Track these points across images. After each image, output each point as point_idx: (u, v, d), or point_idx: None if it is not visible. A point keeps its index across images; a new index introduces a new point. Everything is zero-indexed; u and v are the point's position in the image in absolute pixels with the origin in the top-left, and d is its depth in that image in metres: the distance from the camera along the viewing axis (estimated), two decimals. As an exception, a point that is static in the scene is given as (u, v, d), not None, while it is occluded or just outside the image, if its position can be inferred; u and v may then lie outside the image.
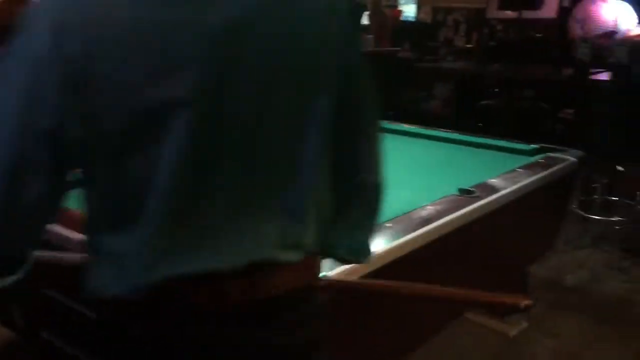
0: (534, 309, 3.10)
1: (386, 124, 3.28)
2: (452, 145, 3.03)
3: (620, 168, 3.98)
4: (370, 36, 7.05)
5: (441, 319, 2.00)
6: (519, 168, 2.42)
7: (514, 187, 2.16)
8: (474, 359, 2.76)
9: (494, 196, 2.02)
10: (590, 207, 4.26)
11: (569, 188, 2.75)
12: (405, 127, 3.30)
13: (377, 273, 1.49)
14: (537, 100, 5.27)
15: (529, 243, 2.60)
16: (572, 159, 2.66)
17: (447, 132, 3.19)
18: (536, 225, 2.58)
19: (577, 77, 4.24)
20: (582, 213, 4.16)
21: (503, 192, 2.09)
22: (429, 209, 1.85)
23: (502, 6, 7.93)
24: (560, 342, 2.88)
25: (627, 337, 2.96)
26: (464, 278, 2.03)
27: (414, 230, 1.66)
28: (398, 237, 1.61)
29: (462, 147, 3.00)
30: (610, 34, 6.27)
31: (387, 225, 1.70)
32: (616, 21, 6.65)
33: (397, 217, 1.76)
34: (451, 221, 1.77)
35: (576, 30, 6.60)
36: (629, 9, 6.44)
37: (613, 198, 4.31)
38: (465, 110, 5.70)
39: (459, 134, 3.15)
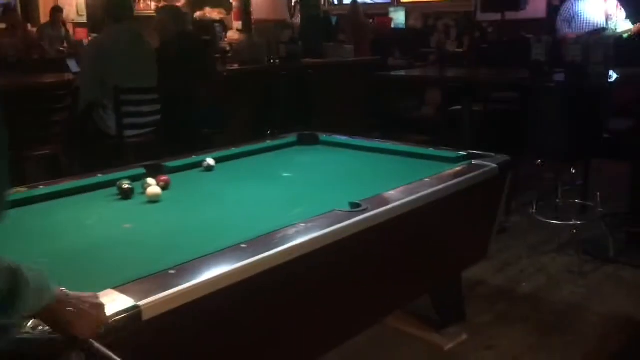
0: (478, 319, 3.05)
1: (323, 137, 3.24)
2: (379, 155, 2.99)
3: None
4: (348, 46, 7.00)
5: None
6: (427, 178, 2.35)
7: (409, 198, 2.09)
8: (402, 375, 2.67)
9: (378, 210, 1.95)
10: (550, 211, 4.16)
11: (494, 194, 2.67)
12: (341, 138, 3.25)
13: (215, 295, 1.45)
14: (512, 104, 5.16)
15: (447, 251, 2.52)
16: (493, 165, 2.58)
17: (380, 142, 3.14)
18: (454, 233, 2.51)
19: (532, 79, 4.14)
20: (542, 219, 4.05)
21: (393, 204, 2.02)
22: (299, 227, 1.79)
23: (485, 8, 7.85)
24: (498, 354, 2.78)
25: (572, 346, 2.86)
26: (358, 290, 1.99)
27: (265, 251, 1.60)
28: (242, 260, 1.56)
29: (390, 156, 2.96)
30: (600, 31, 6.16)
31: (242, 246, 1.64)
32: (605, 18, 6.55)
33: (258, 237, 1.71)
34: (312, 240, 1.70)
35: (564, 29, 6.50)
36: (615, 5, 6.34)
37: (573, 201, 4.20)
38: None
39: (391, 143, 3.09)
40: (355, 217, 1.90)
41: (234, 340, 1.59)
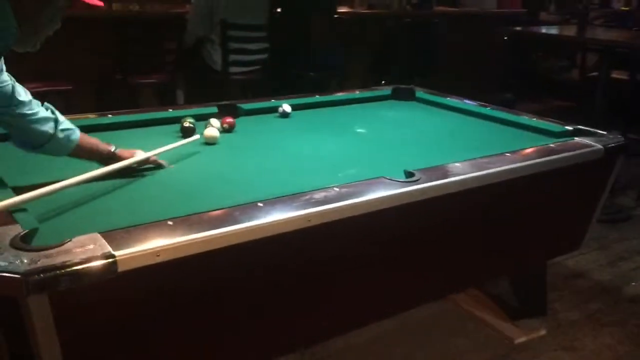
0: (565, 316, 2.71)
1: (419, 93, 3.01)
2: (475, 120, 2.70)
3: None
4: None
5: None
6: (509, 152, 2.06)
7: (470, 174, 1.83)
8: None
9: (426, 184, 1.72)
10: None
11: (595, 179, 2.29)
12: (439, 97, 2.98)
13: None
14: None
15: (527, 236, 2.22)
16: (598, 146, 2.20)
17: (481, 105, 2.82)
18: (537, 218, 2.20)
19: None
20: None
21: (445, 180, 1.78)
22: (330, 192, 1.62)
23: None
24: (575, 358, 2.46)
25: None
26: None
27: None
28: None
29: (487, 122, 2.67)
30: None
31: (259, 205, 1.51)
32: None
33: (279, 197, 1.56)
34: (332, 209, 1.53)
35: None
36: None
37: None
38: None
39: (492, 108, 2.77)
40: (399, 188, 1.69)
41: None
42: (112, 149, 1.82)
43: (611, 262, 3.31)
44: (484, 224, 2.02)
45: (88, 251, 1.23)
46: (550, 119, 2.60)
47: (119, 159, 1.80)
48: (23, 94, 1.63)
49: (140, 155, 1.84)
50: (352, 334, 2.17)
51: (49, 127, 1.67)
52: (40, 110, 1.66)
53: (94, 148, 1.79)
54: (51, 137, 1.68)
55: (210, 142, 2.19)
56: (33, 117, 1.64)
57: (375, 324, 2.05)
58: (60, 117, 1.71)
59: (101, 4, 1.71)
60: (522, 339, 2.54)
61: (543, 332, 2.59)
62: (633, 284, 3.09)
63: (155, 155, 1.90)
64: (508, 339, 2.54)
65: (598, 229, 3.62)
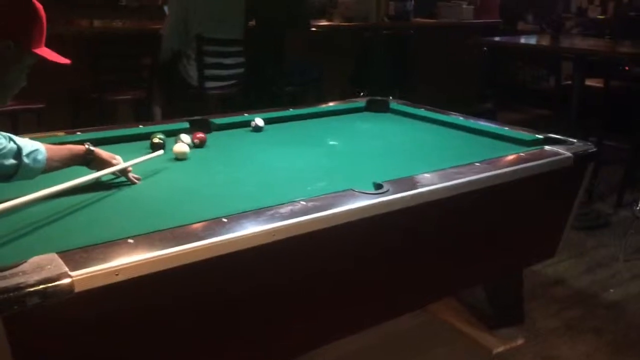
0: (543, 324, 2.71)
1: (393, 104, 3.01)
2: (447, 130, 2.71)
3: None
4: (468, 7, 6.49)
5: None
6: (478, 162, 2.06)
7: (437, 186, 1.83)
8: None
9: (396, 195, 1.71)
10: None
11: (565, 186, 2.30)
12: (412, 108, 2.99)
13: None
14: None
15: (499, 245, 2.22)
16: (567, 154, 2.21)
17: (454, 115, 2.83)
18: (508, 226, 2.20)
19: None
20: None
21: (416, 190, 1.77)
22: (296, 206, 1.61)
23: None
24: (554, 369, 2.46)
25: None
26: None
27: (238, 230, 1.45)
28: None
29: (459, 132, 2.68)
30: None
31: (224, 220, 1.50)
32: None
33: (242, 213, 1.55)
34: (296, 224, 1.52)
35: None
36: None
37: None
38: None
39: (464, 118, 2.78)
40: (367, 200, 1.68)
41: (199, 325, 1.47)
42: (87, 146, 1.83)
43: (589, 269, 3.32)
44: (455, 234, 2.02)
45: (43, 272, 1.21)
46: (522, 128, 2.62)
47: (97, 156, 1.83)
48: None
49: (118, 164, 1.86)
50: (329, 347, 2.15)
51: (14, 158, 1.63)
52: (4, 142, 1.62)
53: (67, 155, 1.79)
54: (19, 166, 1.64)
55: (180, 158, 2.17)
56: (0, 153, 1.60)
57: (351, 337, 2.03)
58: (21, 142, 1.67)
59: (68, 61, 1.72)
60: (500, 349, 2.53)
61: (521, 341, 2.59)
62: (611, 290, 3.10)
63: (130, 167, 1.90)
64: (486, 349, 2.53)
65: (576, 235, 3.64)
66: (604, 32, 7.47)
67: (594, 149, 2.32)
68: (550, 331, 2.69)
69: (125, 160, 1.91)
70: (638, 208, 3.48)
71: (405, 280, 1.96)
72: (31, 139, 1.75)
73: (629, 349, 2.59)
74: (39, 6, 1.63)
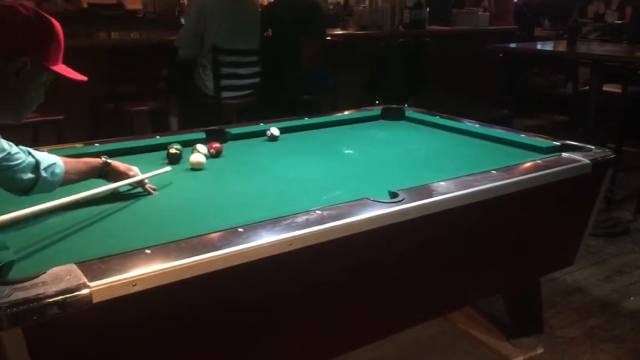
0: (563, 333, 2.68)
1: (409, 112, 3.01)
2: (463, 137, 2.70)
3: None
4: (483, 14, 6.47)
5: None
6: (495, 170, 2.05)
7: (453, 194, 1.82)
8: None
9: (412, 204, 1.71)
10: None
11: (584, 194, 2.28)
12: (428, 116, 2.98)
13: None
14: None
15: (516, 253, 2.20)
16: (585, 161, 2.19)
17: (470, 123, 2.82)
18: (525, 235, 2.18)
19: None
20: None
21: (428, 200, 1.77)
22: (311, 215, 1.61)
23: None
24: (574, 379, 2.43)
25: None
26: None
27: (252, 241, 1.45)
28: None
29: (475, 139, 2.67)
30: None
31: (239, 230, 1.51)
32: None
33: (258, 222, 1.56)
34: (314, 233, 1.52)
35: None
36: None
37: None
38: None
39: (480, 126, 2.77)
40: (382, 209, 1.68)
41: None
42: (103, 159, 1.85)
43: (609, 277, 3.28)
44: (471, 243, 2.00)
45: (62, 283, 1.22)
46: (539, 135, 2.60)
47: (113, 169, 1.85)
48: (7, 145, 1.60)
49: (135, 175, 1.89)
50: (346, 357, 2.14)
51: (32, 172, 1.65)
52: (23, 157, 1.64)
53: (85, 169, 1.81)
54: (37, 180, 1.66)
55: (196, 168, 2.19)
56: (19, 167, 1.62)
57: (369, 346, 2.02)
58: (39, 156, 1.69)
59: (85, 78, 1.72)
60: (520, 359, 2.50)
61: (540, 350, 2.56)
62: (632, 298, 3.05)
63: (146, 179, 1.92)
64: (505, 359, 2.51)
65: (595, 243, 3.60)
66: (621, 37, 7.40)
67: (612, 156, 2.29)
68: (570, 340, 2.66)
69: (142, 171, 1.93)
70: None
71: (420, 289, 1.96)
72: (50, 151, 1.78)
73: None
74: (56, 23, 1.64)
